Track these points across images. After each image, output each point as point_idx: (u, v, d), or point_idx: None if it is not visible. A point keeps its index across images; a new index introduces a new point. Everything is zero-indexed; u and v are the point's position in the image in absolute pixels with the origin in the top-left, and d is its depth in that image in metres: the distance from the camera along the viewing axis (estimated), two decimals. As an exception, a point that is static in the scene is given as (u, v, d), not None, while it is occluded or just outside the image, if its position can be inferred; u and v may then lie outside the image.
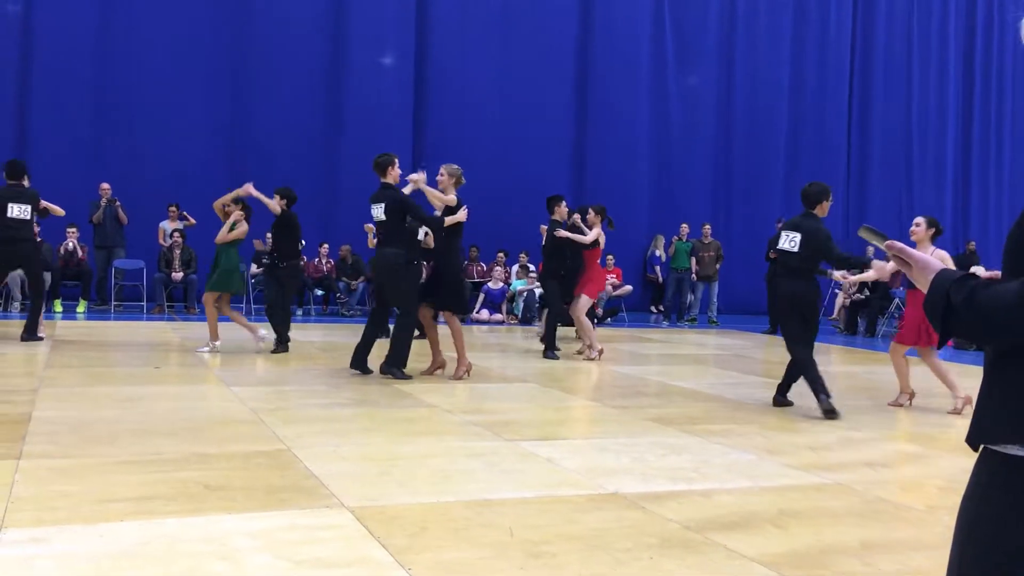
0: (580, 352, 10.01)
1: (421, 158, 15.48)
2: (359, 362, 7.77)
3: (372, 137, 15.70)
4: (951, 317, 1.45)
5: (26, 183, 9.38)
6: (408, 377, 7.60)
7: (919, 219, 7.28)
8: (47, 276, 12.62)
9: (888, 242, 1.66)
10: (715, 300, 16.32)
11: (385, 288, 7.70)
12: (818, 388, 6.68)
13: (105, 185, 13.89)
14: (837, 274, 7.50)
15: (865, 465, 5.09)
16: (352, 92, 16.05)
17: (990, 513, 1.43)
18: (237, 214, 9.16)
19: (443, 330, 8.12)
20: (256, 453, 4.70)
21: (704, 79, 18.86)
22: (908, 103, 20.54)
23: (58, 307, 12.86)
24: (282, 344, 9.20)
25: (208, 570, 2.99)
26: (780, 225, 7.07)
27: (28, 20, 14.52)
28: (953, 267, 1.55)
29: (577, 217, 10.16)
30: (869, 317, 15.12)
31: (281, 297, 9.52)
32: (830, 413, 6.62)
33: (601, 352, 9.79)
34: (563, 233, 9.71)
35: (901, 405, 7.44)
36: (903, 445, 5.89)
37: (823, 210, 7.02)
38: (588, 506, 3.96)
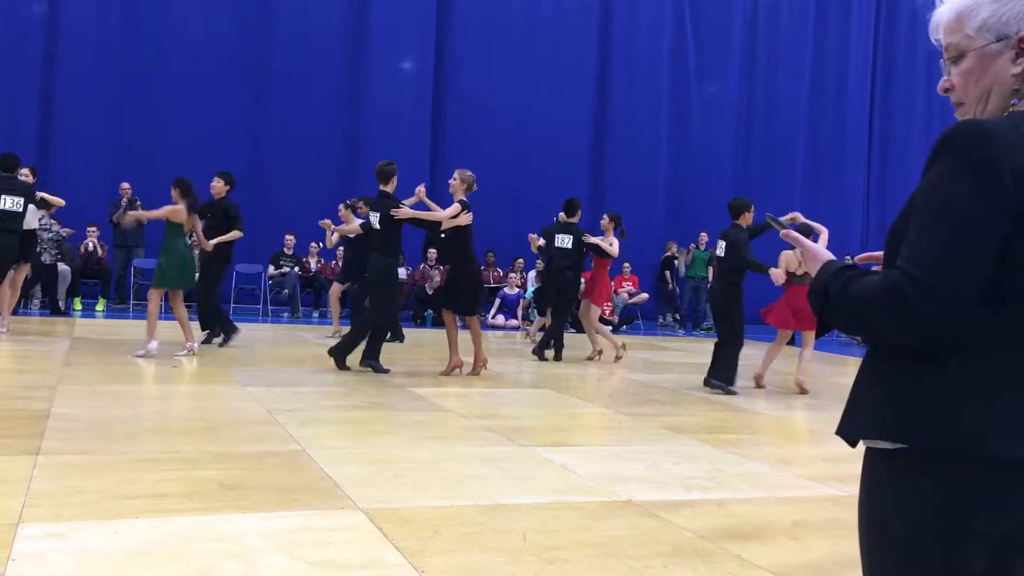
0: (591, 358, 10.01)
1: (438, 163, 15.56)
2: (342, 357, 7.99)
3: (391, 141, 15.75)
4: (827, 309, 1.45)
5: (30, 178, 9.59)
6: (386, 370, 7.91)
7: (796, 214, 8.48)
8: (67, 273, 12.75)
9: (784, 231, 1.72)
10: None
11: (370, 289, 8.04)
12: (721, 373, 7.92)
13: (125, 185, 13.98)
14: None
15: (881, 478, 5.05)
16: (371, 96, 16.11)
17: (878, 514, 1.46)
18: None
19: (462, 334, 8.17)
20: (271, 453, 4.72)
21: (725, 88, 18.82)
22: (930, 114, 20.42)
23: (77, 305, 12.97)
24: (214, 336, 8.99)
25: (222, 569, 3.00)
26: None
27: (52, 20, 14.66)
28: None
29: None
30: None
31: (204, 289, 9.31)
32: (721, 388, 7.84)
33: (618, 359, 9.82)
34: (593, 239, 9.74)
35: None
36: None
37: (746, 220, 8.10)
38: (601, 513, 3.95)
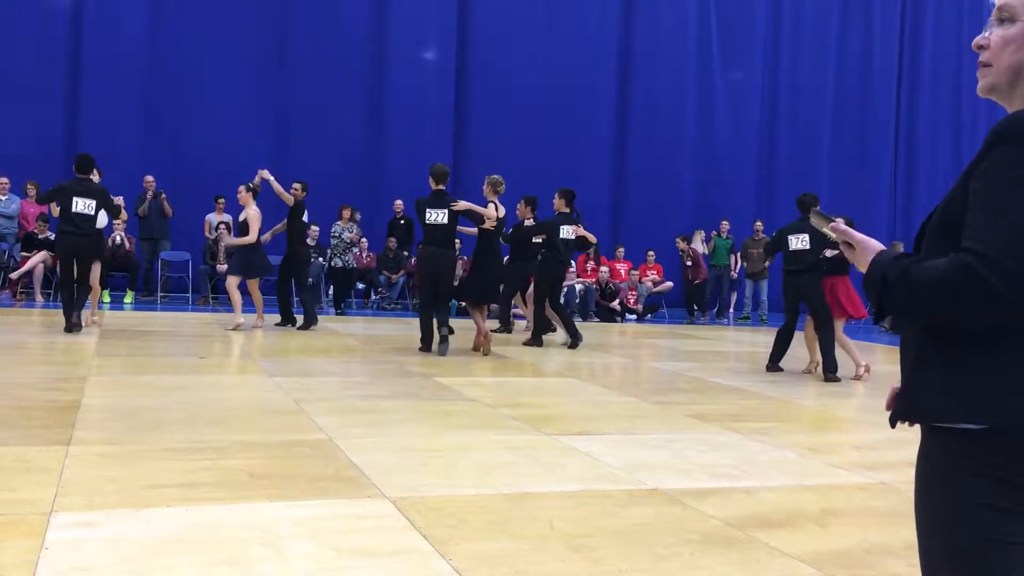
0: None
1: (461, 153, 15.57)
2: (430, 342, 8.63)
3: (413, 131, 15.78)
4: (886, 295, 1.47)
5: (95, 178, 9.52)
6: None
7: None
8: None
9: (832, 224, 1.68)
10: (764, 298, 16.06)
11: (442, 281, 8.67)
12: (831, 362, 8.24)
13: (149, 178, 14.11)
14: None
15: (910, 465, 5.00)
16: (394, 86, 16.14)
17: (965, 494, 1.46)
18: None
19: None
20: (299, 442, 4.74)
21: (749, 74, 18.66)
22: (958, 98, 20.13)
23: (106, 297, 13.11)
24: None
25: (252, 556, 3.03)
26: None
27: (78, 14, 14.78)
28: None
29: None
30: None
31: None
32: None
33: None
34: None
35: (860, 377, 8.40)
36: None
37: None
38: (628, 501, 3.94)
